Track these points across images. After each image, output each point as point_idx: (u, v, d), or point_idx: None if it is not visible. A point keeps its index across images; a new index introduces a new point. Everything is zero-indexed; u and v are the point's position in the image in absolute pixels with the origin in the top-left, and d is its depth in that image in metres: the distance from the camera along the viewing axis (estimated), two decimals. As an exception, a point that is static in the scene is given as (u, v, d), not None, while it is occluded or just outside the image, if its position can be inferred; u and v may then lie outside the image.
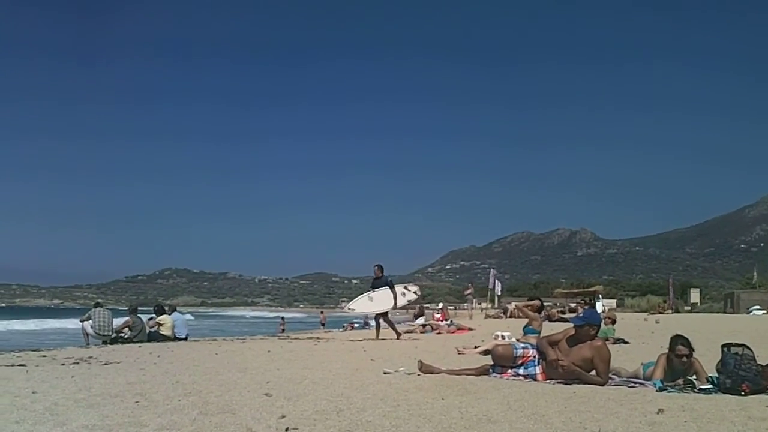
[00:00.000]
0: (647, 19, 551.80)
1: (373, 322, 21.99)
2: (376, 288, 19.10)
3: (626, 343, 14.90)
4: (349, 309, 20.86)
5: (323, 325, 41.33)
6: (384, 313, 19.01)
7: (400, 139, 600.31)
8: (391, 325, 19.01)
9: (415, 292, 20.61)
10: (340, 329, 31.42)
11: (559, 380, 7.33)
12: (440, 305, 28.89)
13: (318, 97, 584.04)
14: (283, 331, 33.61)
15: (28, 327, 41.42)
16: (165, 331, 18.20)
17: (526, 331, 12.98)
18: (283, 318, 45.51)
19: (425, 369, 8.17)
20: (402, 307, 22.47)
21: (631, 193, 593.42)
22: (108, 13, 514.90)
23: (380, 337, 18.32)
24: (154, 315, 19.00)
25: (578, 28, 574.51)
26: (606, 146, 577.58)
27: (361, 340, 17.37)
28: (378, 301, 18.98)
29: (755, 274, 74.25)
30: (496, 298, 54.15)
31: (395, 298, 18.91)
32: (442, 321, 23.49)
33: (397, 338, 18.09)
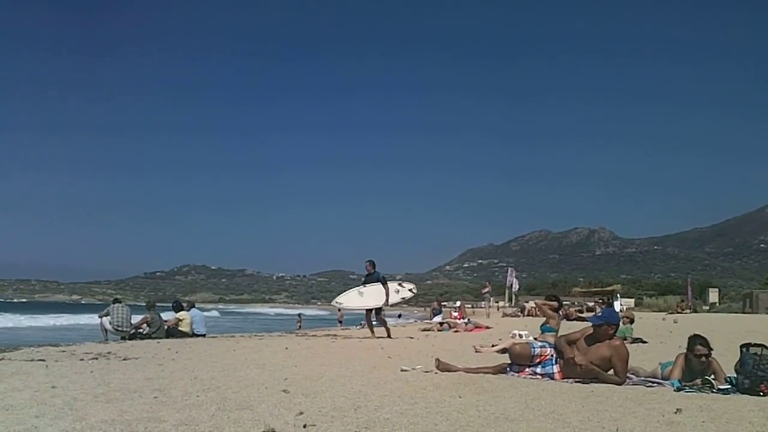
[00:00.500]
0: (670, 15, 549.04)
1: (390, 320, 21.84)
2: (368, 284, 18.64)
3: (644, 342, 14.85)
4: (336, 303, 20.36)
5: (340, 322, 41.36)
6: (378, 310, 18.48)
7: (419, 135, 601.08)
8: (384, 323, 18.74)
9: (410, 290, 20.08)
10: (358, 327, 31.43)
11: (577, 379, 7.32)
12: (458, 303, 28.83)
13: (339, 90, 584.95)
14: (300, 327, 33.72)
15: (40, 323, 41.04)
16: (183, 327, 18.26)
17: (544, 329, 12.94)
18: (300, 315, 45.68)
19: (442, 367, 8.18)
20: (395, 305, 21.89)
21: (650, 192, 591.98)
22: (110, 11, 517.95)
23: (376, 335, 18.01)
24: (172, 311, 19.04)
25: (601, 23, 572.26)
26: (625, 145, 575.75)
27: (378, 338, 17.36)
28: (368, 296, 18.51)
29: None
30: (514, 297, 54.02)
31: (387, 294, 18.26)
32: (459, 319, 23.45)
33: (388, 337, 17.82)
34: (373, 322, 18.61)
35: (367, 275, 18.79)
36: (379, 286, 18.37)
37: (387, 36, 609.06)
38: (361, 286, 18.88)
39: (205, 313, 23.63)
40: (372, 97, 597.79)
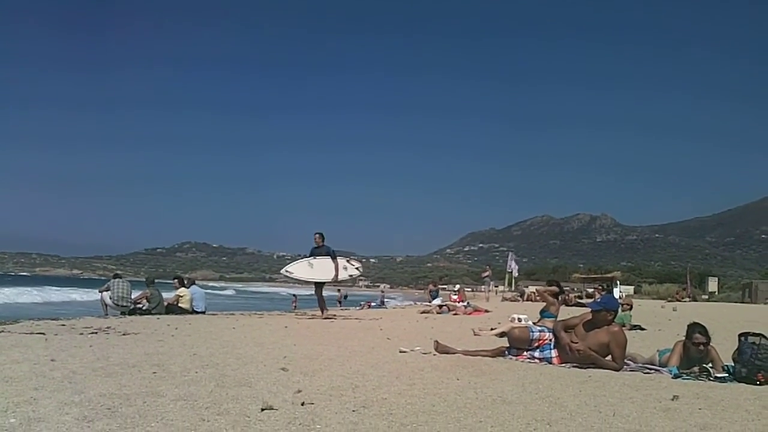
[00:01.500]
0: (674, 3, 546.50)
1: (390, 302, 21.68)
2: (317, 257, 18.04)
3: (643, 329, 14.87)
4: (286, 272, 19.19)
5: (340, 302, 41.39)
6: (321, 285, 18.13)
7: (422, 117, 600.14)
8: (321, 300, 18.26)
9: (357, 268, 19.59)
10: (357, 307, 31.47)
11: (575, 364, 7.35)
12: (457, 287, 28.80)
13: (343, 69, 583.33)
14: (295, 307, 33.70)
15: (32, 299, 39.29)
16: (183, 304, 18.31)
17: (544, 315, 12.96)
18: (295, 295, 45.67)
19: (441, 349, 8.21)
20: (341, 282, 21.38)
21: (653, 180, 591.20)
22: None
23: (327, 315, 17.64)
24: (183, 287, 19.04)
25: (606, 8, 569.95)
26: (629, 132, 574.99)
27: (378, 319, 17.38)
28: (319, 269, 17.94)
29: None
30: (514, 281, 54.06)
31: (337, 269, 17.82)
32: (458, 302, 23.43)
33: (322, 316, 17.40)
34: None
35: (315, 248, 18.17)
36: (328, 260, 17.90)
37: (388, 16, 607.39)
38: (312, 258, 18.21)
39: (224, 291, 23.57)
40: (376, 77, 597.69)
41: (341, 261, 18.52)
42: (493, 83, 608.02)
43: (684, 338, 7.64)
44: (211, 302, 24.23)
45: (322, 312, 17.93)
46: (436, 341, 8.46)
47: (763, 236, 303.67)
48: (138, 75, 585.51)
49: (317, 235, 18.10)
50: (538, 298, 16.41)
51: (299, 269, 18.53)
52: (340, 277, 18.36)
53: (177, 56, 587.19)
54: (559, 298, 14.26)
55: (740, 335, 7.00)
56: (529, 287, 49.03)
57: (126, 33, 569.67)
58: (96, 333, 10.23)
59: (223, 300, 50.11)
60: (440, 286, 32.65)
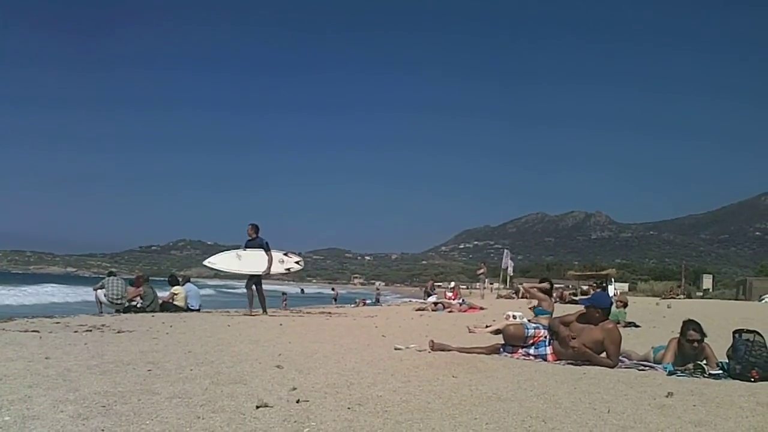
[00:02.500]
0: (672, 3, 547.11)
1: (385, 299, 21.55)
2: (249, 249, 17.23)
3: (637, 326, 14.88)
4: (209, 264, 18.57)
5: (335, 300, 41.41)
6: (256, 279, 16.91)
7: (418, 116, 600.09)
8: (261, 296, 17.01)
9: (297, 262, 18.57)
10: (352, 305, 31.50)
11: (570, 361, 7.35)
12: (452, 284, 28.84)
13: (337, 69, 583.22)
14: (285, 305, 33.65)
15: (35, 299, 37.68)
16: (178, 301, 18.27)
17: (537, 312, 12.97)
18: (284, 293, 45.59)
19: (436, 347, 8.20)
20: (277, 276, 20.31)
21: (647, 178, 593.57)
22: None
23: (254, 312, 16.44)
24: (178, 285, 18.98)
25: (603, 7, 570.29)
26: (623, 130, 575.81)
27: (373, 316, 17.39)
28: (247, 261, 17.12)
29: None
30: (509, 279, 54.10)
31: (270, 262, 16.84)
32: (453, 299, 23.47)
33: (263, 313, 16.45)
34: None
35: (249, 240, 17.35)
36: (261, 252, 17.04)
37: (387, 15, 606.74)
38: (241, 249, 17.52)
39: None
40: (371, 76, 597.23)
41: (277, 254, 17.73)
42: (488, 82, 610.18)
43: (678, 335, 7.66)
44: (207, 300, 24.17)
45: (263, 308, 16.92)
46: (432, 341, 8.45)
47: (757, 233, 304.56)
48: (133, 74, 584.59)
49: (250, 227, 17.40)
50: (526, 295, 16.32)
51: (223, 260, 18.02)
52: (274, 271, 17.51)
53: (174, 55, 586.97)
54: (553, 295, 14.28)
55: (734, 332, 7.03)
56: (523, 285, 48.97)
57: (121, 32, 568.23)
58: (90, 331, 10.21)
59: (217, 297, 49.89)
60: (436, 283, 32.71)
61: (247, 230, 17.44)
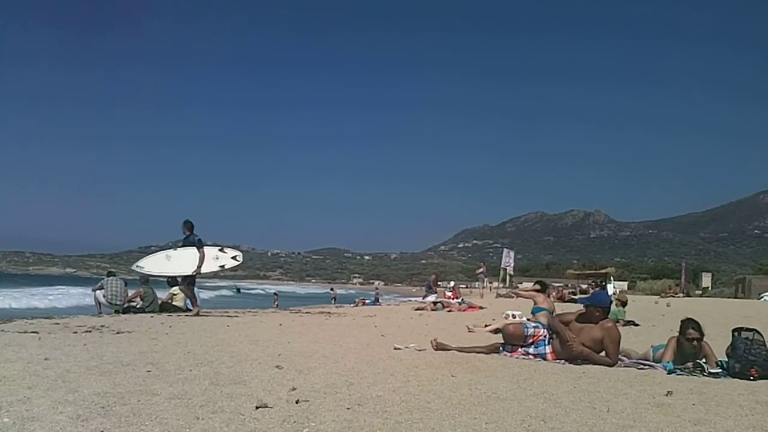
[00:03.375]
0: (671, 1, 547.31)
1: (390, 300, 21.36)
2: (185, 247, 16.42)
3: (636, 325, 14.89)
4: (137, 267, 17.15)
5: (334, 299, 41.41)
6: (189, 279, 16.07)
7: (418, 116, 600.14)
8: (192, 296, 16.20)
9: (234, 257, 17.48)
10: (352, 305, 31.49)
11: (569, 360, 7.35)
12: (452, 283, 28.81)
13: (338, 67, 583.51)
14: (276, 306, 33.65)
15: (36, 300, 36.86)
16: (177, 302, 18.24)
17: (534, 310, 12.96)
18: (276, 293, 45.66)
19: (439, 347, 8.20)
20: (210, 274, 18.26)
21: (647, 176, 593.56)
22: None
23: (201, 312, 15.69)
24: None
25: (604, 4, 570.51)
26: (622, 128, 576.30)
27: (372, 316, 17.38)
28: (177, 261, 16.34)
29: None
30: (508, 278, 54.10)
31: (201, 260, 15.81)
32: (453, 299, 23.46)
33: (195, 314, 15.31)
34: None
35: (184, 238, 16.46)
36: (193, 250, 16.10)
37: (386, 13, 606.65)
38: (172, 250, 16.98)
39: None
40: (371, 75, 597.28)
41: (212, 250, 16.99)
42: (488, 82, 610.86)
43: (678, 334, 7.66)
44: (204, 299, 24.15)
45: (195, 309, 15.80)
46: (434, 339, 8.44)
47: (756, 231, 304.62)
48: (133, 72, 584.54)
49: (184, 225, 16.47)
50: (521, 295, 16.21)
51: (152, 263, 17.14)
52: (208, 269, 16.51)
53: (174, 53, 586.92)
54: (552, 296, 14.26)
55: (734, 330, 7.03)
56: (523, 283, 49.06)
57: (121, 30, 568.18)
58: (90, 331, 10.19)
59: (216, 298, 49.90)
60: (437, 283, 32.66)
61: (182, 229, 16.54)
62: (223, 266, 17.27)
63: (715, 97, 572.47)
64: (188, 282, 16.14)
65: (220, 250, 17.51)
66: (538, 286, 13.80)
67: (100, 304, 17.53)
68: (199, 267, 15.89)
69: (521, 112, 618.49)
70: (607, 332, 7.37)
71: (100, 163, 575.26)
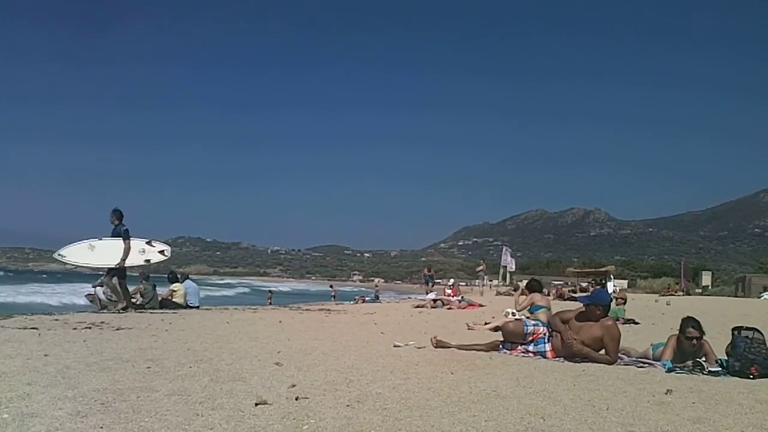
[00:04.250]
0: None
1: (387, 296, 21.32)
2: (104, 238, 15.74)
3: (636, 323, 14.88)
4: (59, 256, 16.55)
5: (333, 297, 41.42)
6: (114, 271, 15.33)
7: (417, 113, 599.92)
8: (115, 290, 15.57)
9: (162, 252, 16.91)
10: (351, 302, 31.48)
11: (569, 358, 7.36)
12: (451, 281, 28.74)
13: (336, 65, 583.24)
14: (270, 303, 33.64)
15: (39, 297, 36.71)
16: (177, 298, 18.24)
17: (533, 309, 12.95)
18: (271, 290, 45.78)
19: (439, 344, 8.20)
20: (137, 267, 17.44)
21: (647, 174, 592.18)
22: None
23: (122, 309, 14.76)
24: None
25: (602, 5, 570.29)
26: (623, 126, 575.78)
27: (372, 313, 17.38)
28: (101, 251, 15.63)
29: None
30: (508, 276, 53.98)
31: (126, 252, 15.23)
32: (453, 296, 23.43)
33: (124, 309, 14.74)
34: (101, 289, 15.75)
35: (113, 228, 15.78)
36: (119, 241, 15.44)
37: (385, 12, 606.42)
38: (96, 239, 16.06)
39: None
40: (370, 73, 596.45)
41: (138, 243, 16.19)
42: (488, 80, 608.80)
43: (677, 332, 7.66)
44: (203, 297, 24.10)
45: (123, 303, 15.34)
46: (434, 337, 8.44)
47: (757, 230, 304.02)
48: (132, 70, 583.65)
49: (112, 214, 15.81)
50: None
51: (74, 253, 16.32)
52: (133, 263, 15.88)
53: (172, 52, 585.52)
54: (551, 292, 14.26)
55: (734, 329, 7.05)
56: (523, 281, 48.98)
57: (119, 28, 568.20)
58: (89, 328, 10.18)
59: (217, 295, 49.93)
60: (435, 280, 32.64)
61: (110, 219, 15.86)
62: (149, 260, 16.68)
63: (715, 95, 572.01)
64: (114, 275, 15.35)
65: (147, 243, 16.70)
66: (526, 290, 13.80)
67: (99, 300, 17.53)
68: (123, 260, 15.33)
69: (522, 110, 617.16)
70: (607, 330, 7.38)
71: (101, 160, 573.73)
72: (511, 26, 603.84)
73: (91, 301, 17.69)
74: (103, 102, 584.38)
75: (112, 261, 15.32)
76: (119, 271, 15.42)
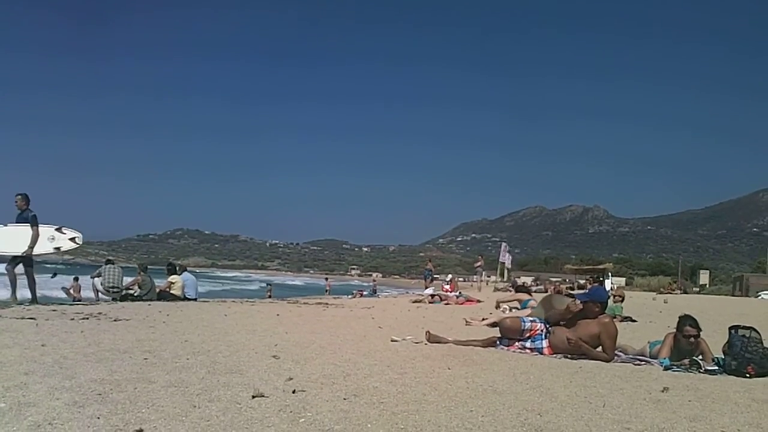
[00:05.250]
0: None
1: (388, 292, 21.33)
2: (18, 224, 14.71)
3: (634, 321, 14.89)
4: None
5: (327, 291, 41.47)
6: (23, 260, 14.50)
7: (416, 108, 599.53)
8: (31, 280, 14.65)
9: (73, 239, 15.89)
10: (349, 296, 31.50)
11: (566, 355, 7.36)
12: (449, 276, 28.75)
13: (335, 59, 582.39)
14: (270, 296, 33.69)
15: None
16: (175, 290, 18.26)
17: (525, 304, 12.97)
18: (269, 284, 45.88)
19: (433, 339, 8.20)
20: (45, 255, 16.36)
21: (646, 172, 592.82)
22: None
23: (26, 307, 13.01)
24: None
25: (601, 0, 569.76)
26: (623, 123, 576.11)
27: (369, 308, 17.37)
28: (8, 237, 14.64)
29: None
30: (506, 272, 54.07)
31: (34, 239, 14.32)
32: (450, 292, 23.43)
33: (30, 304, 13.79)
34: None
35: (19, 214, 14.74)
36: (26, 228, 14.46)
37: (385, 7, 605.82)
38: (1, 225, 15.03)
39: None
40: (369, 67, 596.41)
41: (47, 230, 15.29)
42: (487, 75, 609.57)
43: (675, 330, 7.66)
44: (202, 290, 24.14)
45: (33, 296, 14.56)
46: (428, 332, 8.45)
47: (755, 229, 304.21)
48: (132, 61, 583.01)
49: (19, 197, 14.67)
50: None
51: None
52: (41, 251, 15.05)
53: (172, 43, 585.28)
54: (548, 290, 14.31)
55: (731, 328, 7.05)
56: (522, 278, 49.12)
57: (120, 19, 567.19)
58: (87, 318, 10.19)
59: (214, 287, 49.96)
60: (434, 266, 32.70)
61: (15, 202, 14.78)
62: (59, 248, 15.85)
63: (714, 94, 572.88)
64: (18, 262, 14.51)
65: (57, 230, 15.72)
66: (513, 290, 13.92)
67: (97, 291, 17.56)
68: (31, 247, 14.44)
69: (521, 106, 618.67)
70: (605, 328, 7.39)
71: (99, 151, 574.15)
72: (511, 22, 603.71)
73: (67, 294, 17.67)
74: (102, 93, 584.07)
75: (16, 249, 14.45)
76: (26, 259, 14.56)
